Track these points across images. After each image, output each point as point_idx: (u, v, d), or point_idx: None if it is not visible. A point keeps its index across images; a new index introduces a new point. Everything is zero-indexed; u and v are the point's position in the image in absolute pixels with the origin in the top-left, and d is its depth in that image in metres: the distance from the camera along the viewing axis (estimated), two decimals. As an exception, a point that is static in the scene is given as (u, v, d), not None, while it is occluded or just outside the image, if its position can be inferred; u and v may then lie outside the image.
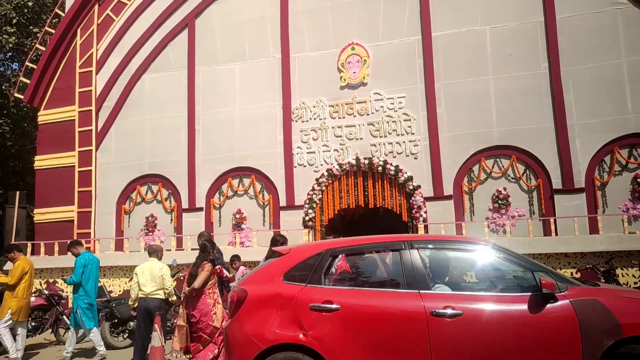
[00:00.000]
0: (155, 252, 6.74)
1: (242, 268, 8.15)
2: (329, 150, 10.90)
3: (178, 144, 11.78)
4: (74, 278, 7.20)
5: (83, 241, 8.76)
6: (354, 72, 10.93)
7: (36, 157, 12.69)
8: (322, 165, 10.89)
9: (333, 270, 4.27)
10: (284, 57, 11.36)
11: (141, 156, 12.00)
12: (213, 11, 12.00)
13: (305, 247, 4.48)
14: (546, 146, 9.81)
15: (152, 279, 6.51)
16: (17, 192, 12.72)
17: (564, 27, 9.95)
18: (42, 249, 11.61)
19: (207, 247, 5.82)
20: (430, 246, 4.30)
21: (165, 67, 12.14)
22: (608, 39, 9.74)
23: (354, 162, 10.60)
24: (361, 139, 10.76)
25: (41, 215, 12.35)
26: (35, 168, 12.65)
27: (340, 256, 4.30)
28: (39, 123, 12.88)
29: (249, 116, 11.43)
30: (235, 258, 8.32)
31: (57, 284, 11.26)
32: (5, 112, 15.96)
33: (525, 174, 9.93)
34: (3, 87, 15.44)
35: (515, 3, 10.29)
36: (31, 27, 14.32)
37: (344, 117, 10.92)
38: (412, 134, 10.50)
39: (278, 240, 6.61)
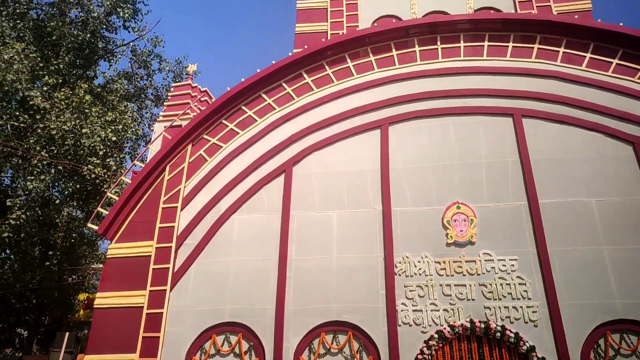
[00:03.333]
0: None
1: None
2: (438, 310, 10.14)
3: (266, 290, 10.87)
4: None
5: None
6: (461, 231, 10.78)
7: (98, 294, 11.44)
8: (430, 325, 10.03)
9: None
10: (385, 210, 11.24)
11: (221, 301, 10.93)
12: (311, 160, 12.19)
13: None
14: (677, 323, 9.36)
15: None
16: (67, 334, 11.17)
17: (672, 205, 10.29)
18: (91, 406, 9.79)
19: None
20: None
21: (258, 209, 11.82)
22: None
23: (468, 324, 9.81)
24: (473, 299, 10.13)
25: (93, 363, 10.69)
26: (95, 306, 11.29)
27: None
28: (108, 257, 11.93)
29: (347, 266, 10.84)
30: None
31: None
32: (51, 242, 15.08)
33: (659, 353, 9.27)
34: (60, 216, 14.80)
35: (617, 178, 10.71)
36: (108, 160, 14.32)
37: (452, 275, 10.43)
38: (529, 299, 9.97)
39: None
